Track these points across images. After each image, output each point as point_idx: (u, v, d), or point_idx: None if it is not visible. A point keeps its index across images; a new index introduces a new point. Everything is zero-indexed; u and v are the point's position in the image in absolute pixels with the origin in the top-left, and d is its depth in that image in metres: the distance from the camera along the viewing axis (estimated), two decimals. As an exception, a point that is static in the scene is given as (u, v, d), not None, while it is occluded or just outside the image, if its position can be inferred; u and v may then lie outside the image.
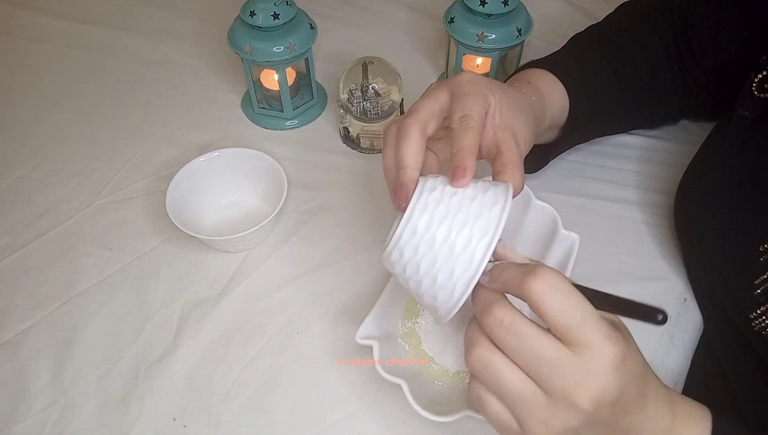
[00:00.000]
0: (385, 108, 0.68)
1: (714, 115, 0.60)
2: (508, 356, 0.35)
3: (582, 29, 0.67)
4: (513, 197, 0.41)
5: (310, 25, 0.70)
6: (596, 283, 0.57)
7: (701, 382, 0.55)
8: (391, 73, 0.68)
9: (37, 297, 0.59)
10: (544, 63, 0.59)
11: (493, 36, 0.69)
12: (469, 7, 0.68)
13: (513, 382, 0.35)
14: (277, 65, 0.69)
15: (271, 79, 0.72)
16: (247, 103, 0.77)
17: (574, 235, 0.54)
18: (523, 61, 0.72)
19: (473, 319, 0.39)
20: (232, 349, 0.55)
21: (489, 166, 0.45)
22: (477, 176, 0.41)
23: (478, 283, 0.38)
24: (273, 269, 0.61)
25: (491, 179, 0.44)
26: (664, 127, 0.72)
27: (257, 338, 0.55)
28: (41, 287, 0.60)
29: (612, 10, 0.68)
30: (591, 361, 0.33)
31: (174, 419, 0.51)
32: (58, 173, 0.70)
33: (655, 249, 0.61)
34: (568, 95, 0.58)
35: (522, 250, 0.57)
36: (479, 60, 0.73)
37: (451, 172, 0.40)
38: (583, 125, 0.61)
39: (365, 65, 0.68)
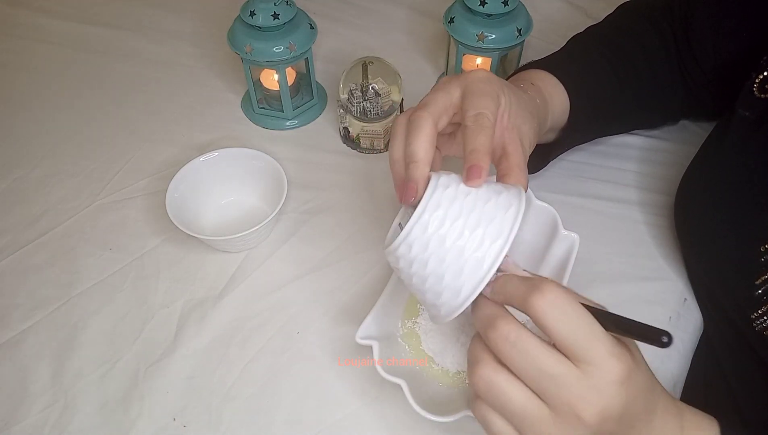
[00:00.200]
0: (385, 108, 0.68)
1: (714, 115, 0.60)
2: (512, 372, 0.35)
3: (582, 29, 0.67)
4: None
5: (310, 25, 0.70)
6: (596, 283, 0.58)
7: (701, 382, 0.55)
8: (391, 73, 0.68)
9: (37, 297, 0.59)
10: (545, 64, 0.59)
11: (493, 36, 0.68)
12: (469, 7, 0.68)
13: (518, 400, 0.35)
14: (277, 65, 0.69)
15: (271, 79, 0.72)
16: (247, 103, 0.77)
17: (574, 235, 0.54)
18: (523, 61, 0.73)
19: (475, 335, 0.38)
20: (232, 349, 0.55)
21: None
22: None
23: (481, 295, 0.38)
24: (273, 269, 0.61)
25: (494, 179, 0.44)
26: (664, 127, 0.72)
27: (257, 338, 0.55)
28: (41, 287, 0.60)
29: (612, 10, 0.68)
30: (596, 378, 0.33)
31: (174, 419, 0.51)
32: (58, 173, 0.70)
33: (655, 249, 0.61)
34: (569, 96, 0.58)
35: (522, 250, 0.57)
36: (479, 60, 0.73)
37: (465, 172, 0.39)
38: (584, 126, 0.61)
39: (365, 65, 0.68)
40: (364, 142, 0.71)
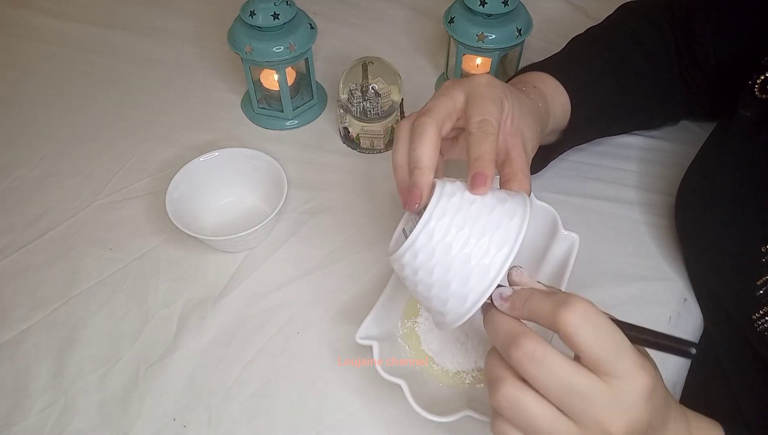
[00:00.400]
0: (385, 108, 0.68)
1: (714, 116, 0.60)
2: (537, 391, 0.34)
3: (582, 30, 0.67)
4: None
5: (310, 25, 0.70)
6: (596, 283, 0.58)
7: (701, 383, 0.55)
8: (391, 73, 0.68)
9: (37, 297, 0.59)
10: (545, 66, 0.59)
11: (493, 36, 0.68)
12: (469, 7, 0.68)
13: (546, 419, 0.34)
14: (277, 65, 0.69)
15: (271, 79, 0.72)
16: (247, 103, 0.77)
17: (574, 235, 0.54)
18: (523, 62, 0.73)
19: (492, 351, 0.37)
20: (232, 349, 0.55)
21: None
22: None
23: (498, 311, 0.37)
24: (273, 269, 0.61)
25: (498, 186, 0.44)
26: (665, 127, 0.72)
27: (257, 338, 0.55)
28: (41, 287, 0.60)
29: (612, 11, 0.68)
30: (624, 392, 0.33)
31: (174, 419, 0.51)
32: (58, 173, 0.70)
33: (655, 249, 0.61)
34: (570, 98, 0.58)
35: (522, 250, 0.57)
36: (479, 60, 0.73)
37: (470, 179, 0.39)
38: (585, 127, 0.61)
39: (365, 65, 0.68)
40: (364, 142, 0.71)
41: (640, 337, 0.35)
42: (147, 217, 0.65)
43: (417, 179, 0.41)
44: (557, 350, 0.34)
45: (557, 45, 0.65)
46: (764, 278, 0.48)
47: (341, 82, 0.68)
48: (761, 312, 0.48)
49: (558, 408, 0.34)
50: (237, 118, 0.77)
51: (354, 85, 0.67)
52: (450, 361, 0.51)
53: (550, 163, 0.63)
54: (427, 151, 0.41)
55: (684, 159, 0.61)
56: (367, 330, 0.49)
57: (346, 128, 0.71)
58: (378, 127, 0.69)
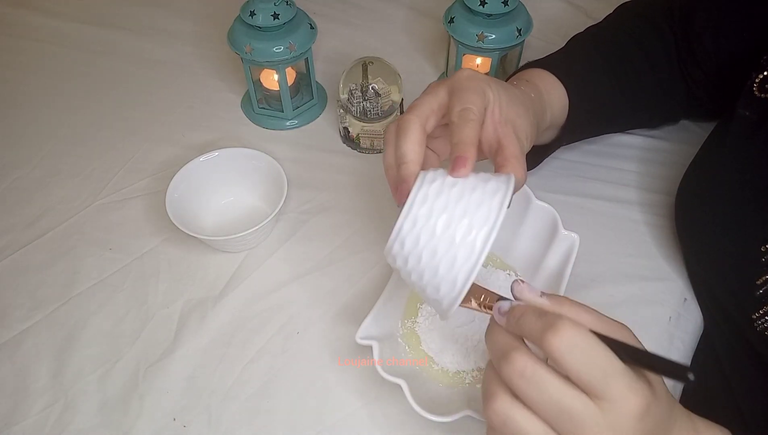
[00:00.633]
0: (385, 108, 0.68)
1: (714, 115, 0.60)
2: (529, 407, 0.34)
3: (582, 29, 0.67)
4: (516, 190, 0.41)
5: (310, 25, 0.70)
6: (596, 283, 0.58)
7: (701, 382, 0.55)
8: (391, 73, 0.68)
9: (37, 297, 0.59)
10: (543, 63, 0.59)
11: (493, 36, 0.68)
12: (469, 7, 0.68)
13: None
14: (277, 65, 0.69)
15: (271, 79, 0.72)
16: (247, 103, 0.77)
17: (574, 235, 0.54)
18: (522, 62, 0.72)
19: (489, 364, 0.37)
20: (232, 349, 0.55)
21: (492, 167, 0.45)
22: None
23: (496, 324, 0.37)
24: (273, 269, 0.61)
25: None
26: (665, 127, 0.72)
27: (257, 338, 0.55)
28: (41, 287, 0.60)
29: (612, 10, 0.68)
30: (614, 415, 0.33)
31: (174, 419, 0.51)
32: (58, 173, 0.70)
33: (655, 249, 0.61)
34: (568, 94, 0.58)
35: (522, 250, 0.57)
36: (479, 60, 0.73)
37: (451, 163, 0.40)
38: (583, 124, 0.61)
39: (365, 65, 0.68)
40: (364, 142, 0.71)
41: (635, 359, 0.34)
42: (147, 217, 0.65)
43: (403, 173, 0.42)
44: (549, 368, 0.34)
45: (557, 45, 0.65)
46: (764, 278, 0.48)
47: (341, 82, 0.68)
48: (761, 312, 0.48)
49: (550, 426, 0.34)
50: (237, 118, 0.77)
51: (354, 85, 0.67)
52: (450, 361, 0.51)
53: (550, 163, 0.64)
54: (411, 146, 0.42)
55: (684, 159, 0.60)
56: (367, 330, 0.49)
57: (346, 128, 0.71)
58: (378, 127, 0.69)
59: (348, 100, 0.68)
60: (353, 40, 0.87)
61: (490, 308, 0.39)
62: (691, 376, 0.32)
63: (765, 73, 0.51)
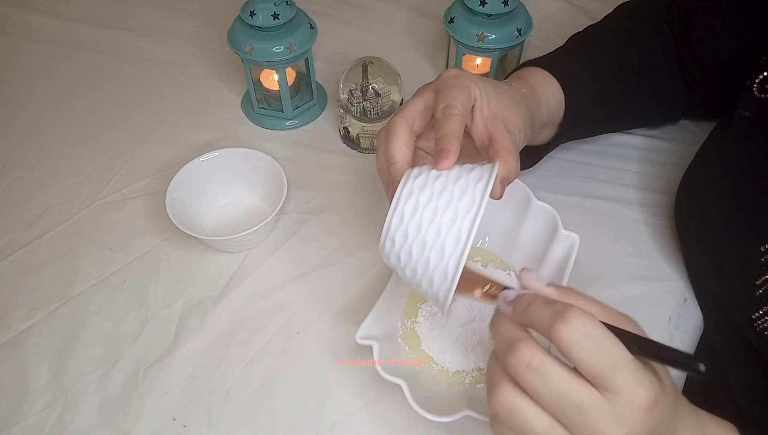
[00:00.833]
0: (385, 108, 0.68)
1: (714, 115, 0.60)
2: (534, 400, 0.34)
3: (582, 29, 0.67)
4: (509, 182, 0.41)
5: (310, 25, 0.70)
6: (596, 283, 0.57)
7: (701, 382, 0.55)
8: (391, 73, 0.68)
9: (37, 297, 0.59)
10: (540, 62, 0.59)
11: (493, 36, 0.69)
12: (469, 7, 0.68)
13: (541, 428, 0.33)
14: (277, 65, 0.69)
15: (271, 79, 0.72)
16: (247, 103, 0.77)
17: (574, 235, 0.54)
18: (522, 61, 0.72)
19: (493, 356, 0.37)
20: (232, 349, 0.55)
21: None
22: None
23: (501, 314, 0.37)
24: (273, 269, 0.61)
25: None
26: (664, 127, 0.72)
27: (257, 338, 0.55)
28: (41, 287, 0.60)
29: (611, 10, 0.68)
30: (622, 407, 0.32)
31: (174, 419, 0.51)
32: (58, 173, 0.70)
33: (655, 249, 0.61)
34: (564, 92, 0.57)
35: (522, 250, 0.57)
36: (479, 60, 0.73)
37: (435, 157, 0.40)
38: (582, 123, 0.61)
39: (365, 65, 0.68)
40: (364, 142, 0.71)
41: (644, 350, 0.34)
42: (147, 217, 0.65)
43: (392, 174, 0.42)
44: (555, 359, 0.33)
45: (557, 45, 0.65)
46: (764, 278, 0.48)
47: (341, 82, 0.68)
48: (761, 312, 0.48)
49: (555, 418, 0.33)
50: (237, 118, 0.77)
51: (354, 85, 0.67)
52: (450, 361, 0.51)
53: (550, 163, 0.64)
54: (399, 147, 0.43)
55: (684, 159, 0.60)
56: (367, 330, 0.49)
57: (346, 128, 0.71)
58: (378, 127, 0.69)
59: (348, 100, 0.68)
60: (353, 40, 0.87)
61: (495, 298, 0.38)
62: (702, 368, 0.31)
63: (765, 73, 0.51)
